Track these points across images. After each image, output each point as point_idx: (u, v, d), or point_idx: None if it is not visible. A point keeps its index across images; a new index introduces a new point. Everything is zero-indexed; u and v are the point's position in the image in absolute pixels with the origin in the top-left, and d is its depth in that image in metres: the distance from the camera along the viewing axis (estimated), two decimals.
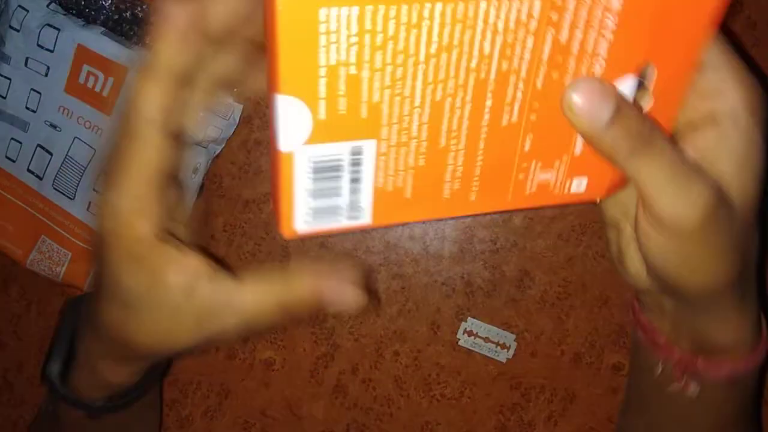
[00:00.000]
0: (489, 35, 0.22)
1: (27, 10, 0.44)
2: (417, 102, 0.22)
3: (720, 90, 0.25)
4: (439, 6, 0.21)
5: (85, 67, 0.44)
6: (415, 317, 0.49)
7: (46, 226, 0.46)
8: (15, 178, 0.47)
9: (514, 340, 0.48)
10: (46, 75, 0.45)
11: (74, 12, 0.45)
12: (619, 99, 0.23)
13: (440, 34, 0.21)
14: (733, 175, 0.26)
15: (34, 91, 0.45)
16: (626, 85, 0.24)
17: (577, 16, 0.22)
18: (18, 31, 0.45)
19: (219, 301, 0.27)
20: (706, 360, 0.31)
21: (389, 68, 0.22)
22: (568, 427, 0.49)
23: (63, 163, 0.45)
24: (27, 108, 0.46)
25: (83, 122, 0.45)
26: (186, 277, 0.27)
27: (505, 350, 0.49)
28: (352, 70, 0.21)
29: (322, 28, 0.20)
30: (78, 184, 0.45)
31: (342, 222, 0.25)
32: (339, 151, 0.23)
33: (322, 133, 0.22)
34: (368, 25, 0.20)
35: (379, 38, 0.21)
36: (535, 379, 0.49)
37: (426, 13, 0.21)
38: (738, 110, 0.25)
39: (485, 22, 0.21)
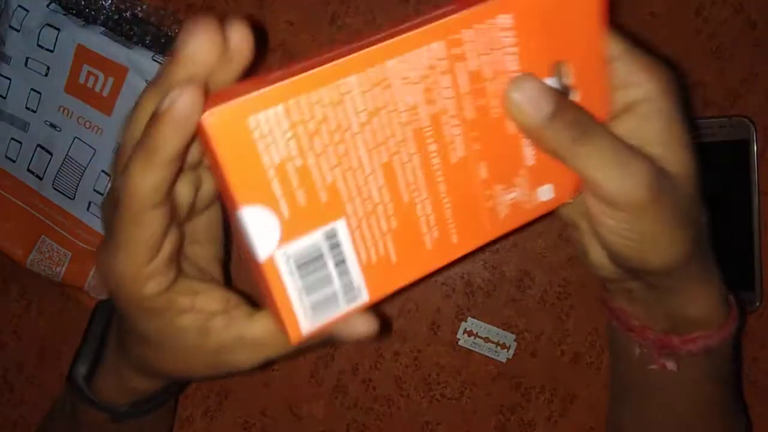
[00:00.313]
0: (407, 87, 0.22)
1: (27, 10, 0.44)
2: (368, 170, 0.23)
3: (631, 81, 0.27)
4: (352, 78, 0.21)
5: (85, 67, 0.44)
6: (415, 317, 0.49)
7: (46, 226, 0.46)
8: (15, 178, 0.47)
9: (514, 340, 0.48)
10: (46, 75, 0.45)
11: (74, 12, 0.45)
12: (557, 94, 0.25)
13: (364, 102, 0.22)
14: (663, 153, 0.27)
15: (34, 91, 0.45)
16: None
17: (478, 43, 0.23)
18: (18, 31, 0.45)
19: (232, 337, 0.27)
20: (680, 337, 0.32)
21: (330, 148, 0.22)
22: (568, 427, 0.49)
23: (63, 163, 0.45)
24: (27, 108, 0.46)
25: (83, 122, 0.45)
26: (199, 319, 0.27)
27: (505, 350, 0.49)
28: (298, 161, 0.22)
29: (256, 134, 0.21)
30: (78, 184, 0.45)
31: (342, 307, 0.25)
32: (314, 240, 0.23)
33: (292, 229, 0.23)
34: (296, 117, 0.21)
35: (311, 125, 0.21)
36: (535, 379, 0.49)
37: (344, 88, 0.21)
38: (652, 95, 0.27)
39: (399, 77, 0.22)
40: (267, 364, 0.28)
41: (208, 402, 0.49)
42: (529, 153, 0.26)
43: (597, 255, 0.31)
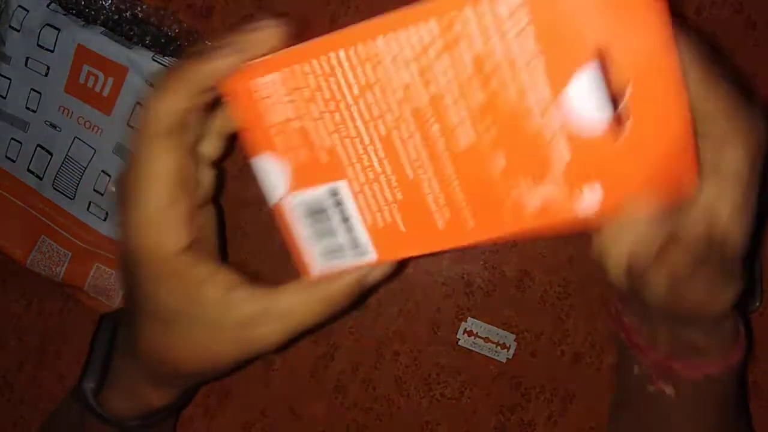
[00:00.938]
0: (401, 65, 0.22)
1: (27, 10, 0.44)
2: (366, 140, 0.24)
3: (724, 139, 0.24)
4: (341, 52, 0.23)
5: (85, 67, 0.44)
6: (415, 317, 0.49)
7: (46, 226, 0.46)
8: (15, 178, 0.47)
9: (514, 340, 0.48)
10: (46, 75, 0.45)
11: (74, 12, 0.45)
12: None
13: (356, 76, 0.23)
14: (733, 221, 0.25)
15: (34, 91, 0.45)
16: (586, 76, 0.21)
17: (482, 20, 0.20)
18: (18, 31, 0.45)
19: (258, 309, 0.26)
20: (683, 362, 0.31)
21: (326, 115, 0.24)
22: (568, 427, 0.49)
23: (63, 163, 0.45)
24: (27, 108, 0.46)
25: (83, 122, 0.45)
26: (222, 290, 0.26)
27: (505, 350, 0.49)
28: (296, 123, 0.24)
29: (258, 96, 0.24)
30: (78, 184, 0.45)
31: (349, 260, 0.26)
32: (318, 194, 0.26)
33: (297, 182, 0.26)
34: (292, 84, 0.24)
35: (306, 92, 0.24)
36: (535, 379, 0.49)
37: (334, 61, 0.23)
38: (739, 163, 0.24)
39: (390, 54, 0.22)
40: (291, 342, 0.27)
41: (208, 402, 0.49)
42: (561, 149, 0.22)
43: (617, 267, 0.26)
